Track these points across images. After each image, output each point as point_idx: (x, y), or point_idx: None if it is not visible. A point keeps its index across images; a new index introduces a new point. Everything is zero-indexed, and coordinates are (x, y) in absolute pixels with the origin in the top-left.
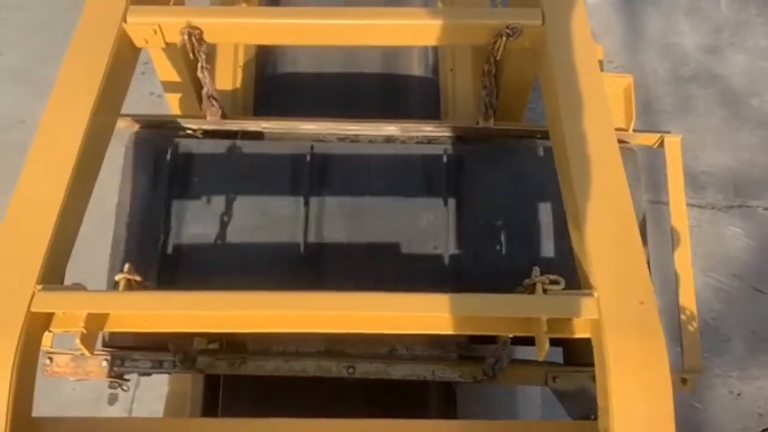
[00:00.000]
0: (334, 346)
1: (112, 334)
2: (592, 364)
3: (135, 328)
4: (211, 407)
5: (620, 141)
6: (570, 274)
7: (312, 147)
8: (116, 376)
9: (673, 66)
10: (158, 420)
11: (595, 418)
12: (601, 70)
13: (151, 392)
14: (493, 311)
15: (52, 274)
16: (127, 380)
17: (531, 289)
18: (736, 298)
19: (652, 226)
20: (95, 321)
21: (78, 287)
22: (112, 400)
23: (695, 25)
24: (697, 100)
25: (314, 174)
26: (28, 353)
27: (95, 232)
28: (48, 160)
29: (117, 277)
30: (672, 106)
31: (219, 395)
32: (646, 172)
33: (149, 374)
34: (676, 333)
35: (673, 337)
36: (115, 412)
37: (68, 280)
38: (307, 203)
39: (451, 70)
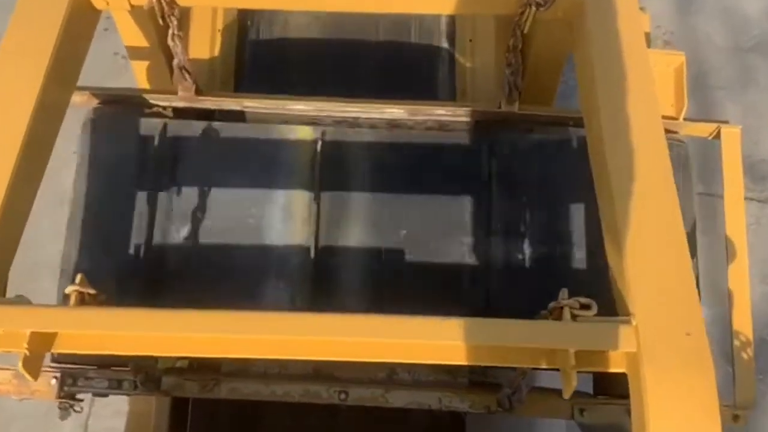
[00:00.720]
0: (323, 367)
1: None
2: (626, 396)
3: (87, 349)
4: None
5: (668, 131)
6: (603, 294)
7: (323, 133)
8: (67, 396)
9: (731, 33)
10: None
11: None
12: (648, 45)
13: (108, 407)
14: (513, 340)
15: None
16: (81, 400)
17: (557, 314)
18: None
19: (703, 225)
20: (41, 341)
21: (20, 301)
22: (65, 414)
23: None
24: (758, 73)
25: (316, 166)
26: None
27: (49, 215)
28: None
29: (67, 290)
30: (729, 81)
31: (187, 420)
32: (698, 158)
33: (105, 395)
34: (728, 347)
35: (724, 354)
36: (68, 427)
37: (16, 274)
38: (317, 197)
39: (470, 40)
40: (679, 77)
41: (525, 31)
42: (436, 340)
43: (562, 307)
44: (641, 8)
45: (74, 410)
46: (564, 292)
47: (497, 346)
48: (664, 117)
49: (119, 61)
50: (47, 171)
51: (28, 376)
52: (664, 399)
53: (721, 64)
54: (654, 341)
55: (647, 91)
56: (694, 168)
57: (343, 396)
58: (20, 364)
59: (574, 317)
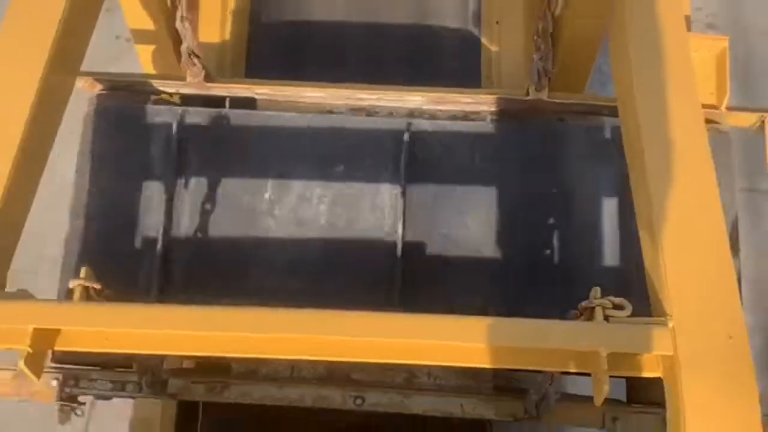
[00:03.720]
0: (338, 369)
1: None
2: (662, 404)
3: (91, 347)
4: None
5: (709, 122)
6: (638, 293)
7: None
8: (68, 398)
9: None
10: None
11: None
12: (689, 28)
13: (111, 409)
14: (542, 342)
15: None
16: (82, 403)
17: (588, 315)
18: None
19: (746, 222)
20: (44, 338)
21: (22, 295)
22: (65, 417)
23: None
24: None
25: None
26: None
27: (54, 204)
28: None
29: (71, 284)
30: None
31: (196, 428)
32: (741, 151)
33: (108, 398)
34: None
35: (766, 363)
36: None
37: (16, 267)
38: (329, 187)
39: (497, 22)
40: (722, 63)
41: (556, 14)
42: (459, 341)
43: (594, 307)
44: None
45: (75, 414)
46: (596, 291)
47: (524, 348)
48: (704, 106)
49: (123, 45)
50: (49, 160)
51: (30, 375)
52: (703, 406)
53: (767, 49)
54: (692, 344)
55: (687, 78)
56: (736, 161)
57: (359, 401)
58: (22, 362)
59: (606, 318)
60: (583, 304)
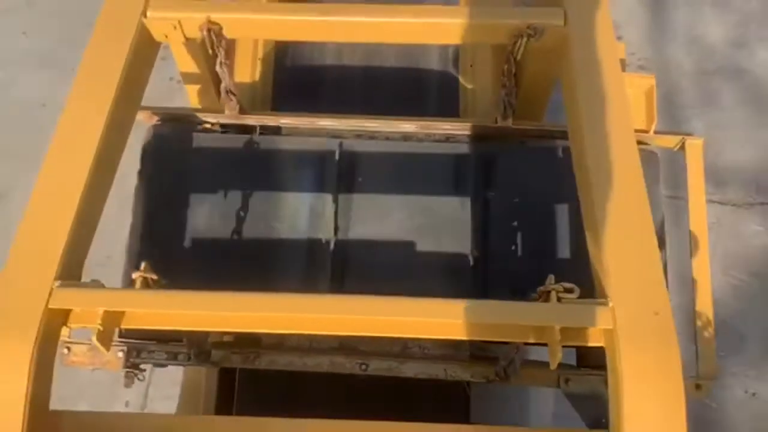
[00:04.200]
0: (347, 342)
1: None
2: (605, 367)
3: (150, 325)
4: (226, 400)
5: (640, 143)
6: (587, 280)
7: (341, 144)
8: (132, 366)
9: (697, 59)
10: (171, 417)
11: (607, 423)
12: (623, 68)
13: (167, 376)
14: (507, 319)
15: (71, 270)
16: (143, 370)
17: (545, 297)
18: (754, 297)
19: (670, 224)
20: (111, 318)
21: (95, 284)
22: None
23: (722, 17)
24: (721, 94)
25: (341, 171)
26: (45, 349)
27: (121, 211)
28: (67, 156)
29: (134, 275)
30: (696, 100)
31: (234, 386)
32: (666, 166)
33: (164, 365)
34: (692, 330)
35: (690, 336)
36: (132, 394)
37: (90, 262)
38: (336, 200)
39: (471, 65)
40: (650, 97)
41: (518, 58)
42: (443, 319)
43: (549, 291)
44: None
45: (138, 378)
46: (551, 278)
47: (494, 323)
48: (636, 130)
49: (174, 85)
50: (116, 176)
51: (101, 348)
52: (636, 368)
53: (689, 85)
54: (627, 319)
55: (622, 108)
56: (662, 174)
57: (363, 367)
58: (94, 337)
59: (559, 299)
60: (541, 288)
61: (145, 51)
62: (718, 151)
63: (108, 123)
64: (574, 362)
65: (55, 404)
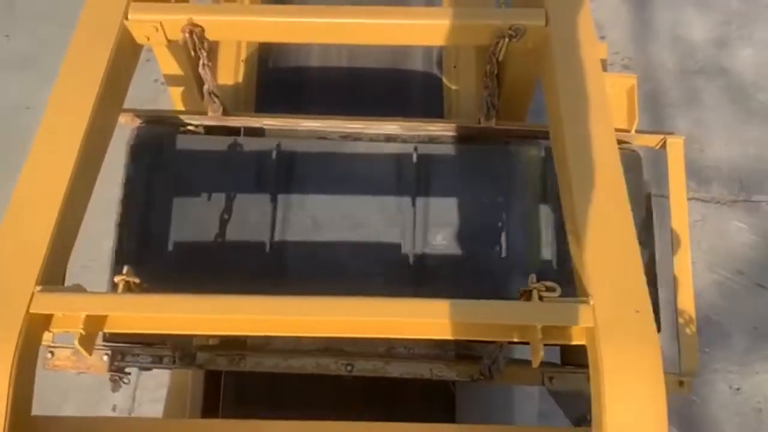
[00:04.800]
0: (332, 344)
1: None
2: (586, 365)
3: (133, 329)
4: (212, 401)
5: (622, 142)
6: (570, 278)
7: (278, 145)
8: (117, 370)
9: (680, 58)
10: (156, 420)
11: (590, 420)
12: (605, 68)
13: (154, 379)
14: (490, 318)
15: (53, 274)
16: (128, 374)
17: (527, 296)
18: (738, 293)
19: (654, 220)
20: (94, 322)
21: (77, 289)
22: (116, 386)
23: (704, 16)
24: (704, 93)
25: (281, 173)
26: (27, 353)
27: (102, 216)
28: (49, 159)
29: (116, 279)
30: (679, 99)
31: (220, 388)
32: (650, 165)
33: (149, 369)
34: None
35: (673, 334)
36: (119, 398)
37: (74, 267)
38: (277, 202)
39: (455, 66)
40: (632, 96)
41: (500, 59)
42: (427, 319)
43: (531, 290)
44: (602, 38)
45: (123, 382)
46: (533, 278)
47: (477, 323)
48: (618, 130)
49: (158, 87)
50: (99, 179)
51: (83, 352)
52: (617, 366)
53: (672, 84)
54: (608, 318)
55: (603, 108)
56: (644, 172)
57: (349, 368)
58: (76, 342)
59: (541, 298)
60: (523, 288)
61: (126, 53)
62: (702, 149)
63: (90, 126)
64: (557, 360)
65: (43, 408)
